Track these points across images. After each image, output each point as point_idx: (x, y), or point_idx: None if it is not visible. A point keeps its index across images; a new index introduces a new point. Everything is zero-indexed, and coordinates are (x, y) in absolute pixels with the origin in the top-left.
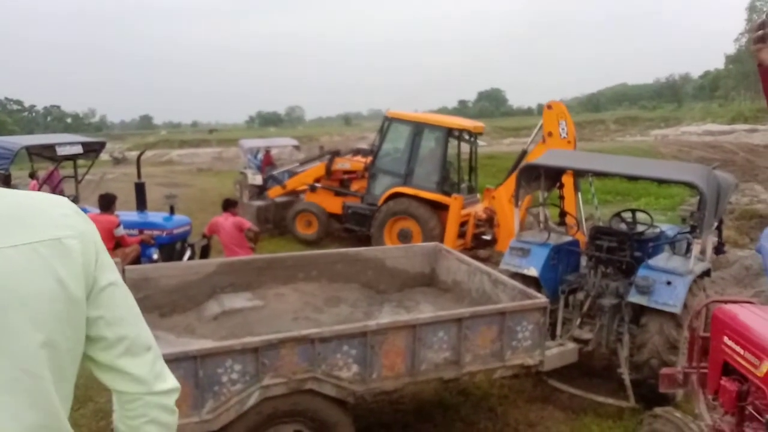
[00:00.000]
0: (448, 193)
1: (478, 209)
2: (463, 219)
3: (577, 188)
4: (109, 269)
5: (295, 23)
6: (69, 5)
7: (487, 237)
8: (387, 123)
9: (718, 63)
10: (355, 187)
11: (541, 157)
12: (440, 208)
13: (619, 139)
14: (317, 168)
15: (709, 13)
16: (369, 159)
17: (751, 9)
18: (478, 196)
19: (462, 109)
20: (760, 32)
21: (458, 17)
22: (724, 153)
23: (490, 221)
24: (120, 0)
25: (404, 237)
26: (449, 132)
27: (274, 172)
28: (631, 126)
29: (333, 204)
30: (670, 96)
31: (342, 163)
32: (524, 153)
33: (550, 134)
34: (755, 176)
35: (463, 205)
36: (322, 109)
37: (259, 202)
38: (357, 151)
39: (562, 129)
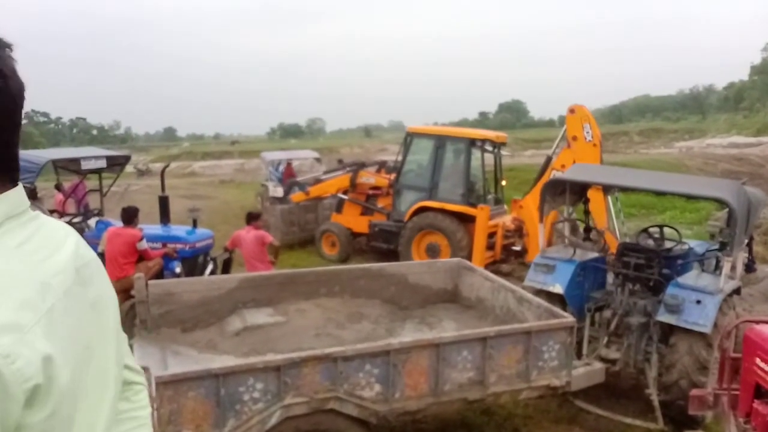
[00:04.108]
0: (474, 205)
1: (506, 220)
2: (491, 230)
3: (606, 197)
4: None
5: (317, 36)
6: (94, 22)
7: (517, 248)
8: (409, 138)
9: (742, 74)
10: (381, 203)
11: (566, 171)
12: (467, 221)
13: (643, 152)
14: (341, 179)
15: (732, 23)
16: (393, 175)
17: None
18: (505, 207)
19: (483, 120)
20: None
21: (477, 33)
22: (751, 166)
23: (518, 231)
24: (144, 15)
25: (432, 251)
26: (472, 143)
27: (299, 179)
28: (654, 138)
29: (359, 223)
30: (693, 107)
31: (367, 177)
32: (549, 159)
33: (575, 138)
34: None
35: (490, 216)
36: (343, 121)
37: (282, 206)
38: (381, 164)
39: (587, 132)
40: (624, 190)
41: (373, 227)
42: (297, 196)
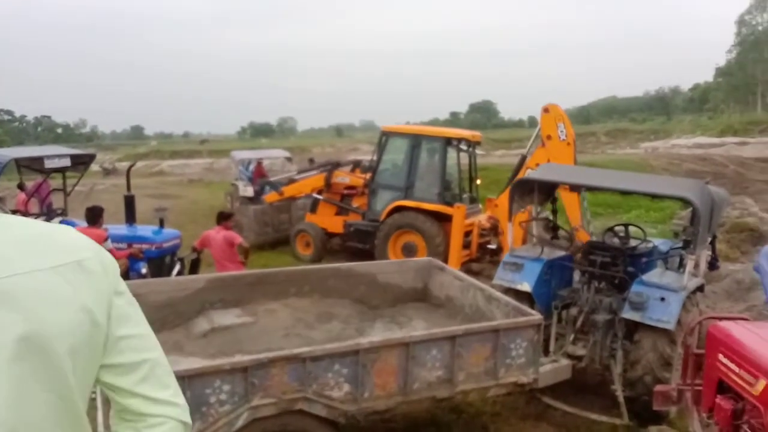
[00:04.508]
0: (450, 204)
1: (482, 218)
2: (467, 229)
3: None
4: (125, 288)
5: (285, 33)
6: (59, 13)
7: (493, 246)
8: (384, 138)
9: (707, 76)
10: (356, 203)
11: (534, 171)
12: (443, 220)
13: (610, 152)
14: (316, 178)
15: (697, 26)
16: (368, 175)
17: (741, 22)
18: (480, 206)
19: (454, 120)
20: None
21: (448, 30)
22: (715, 166)
23: (494, 230)
24: (111, 8)
25: (409, 251)
26: (447, 142)
27: (272, 179)
28: (621, 138)
29: (334, 223)
30: (659, 109)
31: (342, 177)
32: (524, 158)
33: (549, 137)
34: (745, 189)
35: (466, 215)
36: (314, 120)
37: (255, 207)
38: (356, 163)
39: (561, 131)
40: (591, 189)
41: (349, 227)
42: (270, 196)
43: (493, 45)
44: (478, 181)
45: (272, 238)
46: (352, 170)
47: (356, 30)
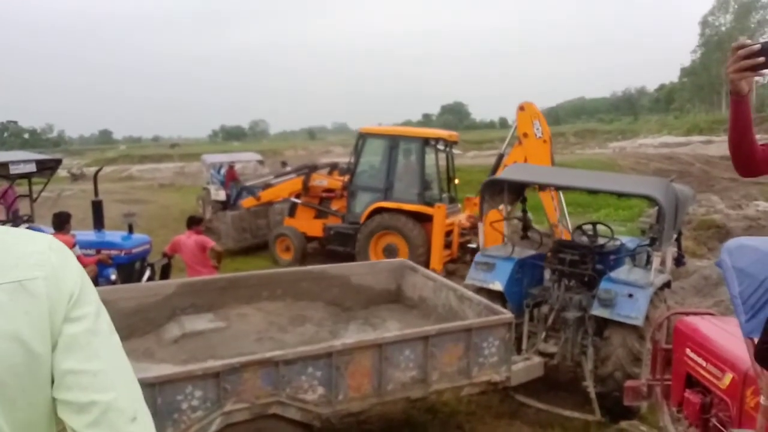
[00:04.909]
0: (430, 204)
1: (462, 218)
2: (448, 229)
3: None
4: (88, 312)
5: (256, 34)
6: (26, 13)
7: (473, 245)
8: (361, 140)
9: (672, 76)
10: (334, 206)
11: (503, 171)
12: (424, 220)
13: (578, 152)
14: (293, 182)
15: (662, 28)
16: (346, 177)
17: (704, 23)
18: (459, 205)
19: (426, 122)
20: (761, 59)
21: (418, 32)
22: (681, 164)
23: (474, 229)
24: (79, 8)
25: (390, 252)
26: (425, 142)
27: (248, 184)
28: (589, 139)
29: (313, 227)
30: (626, 109)
31: (320, 180)
32: (501, 157)
33: (525, 135)
34: (711, 187)
35: (446, 215)
36: (286, 123)
37: (233, 212)
38: (333, 166)
39: (537, 129)
40: (559, 189)
41: (328, 230)
42: (247, 201)
43: (464, 47)
44: (456, 181)
45: (251, 243)
46: (330, 173)
47: (328, 31)
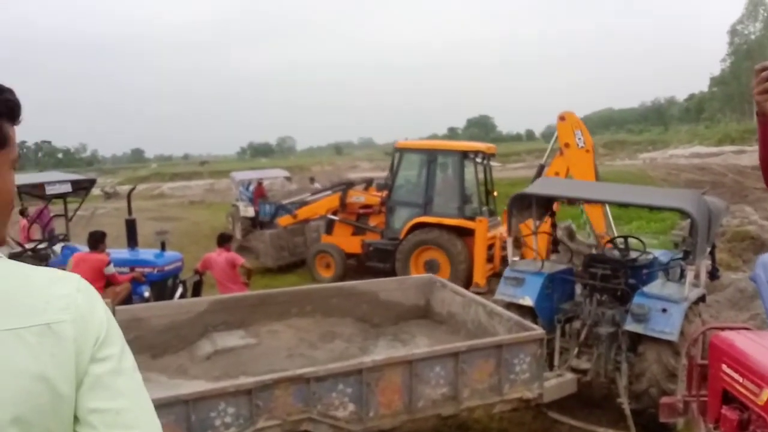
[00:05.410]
0: (470, 218)
1: (502, 231)
2: (489, 242)
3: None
4: (113, 353)
5: (282, 51)
6: (57, 35)
7: (516, 258)
8: (398, 154)
9: (702, 85)
10: (372, 222)
11: (531, 186)
12: (464, 234)
13: (608, 163)
14: (330, 199)
15: (691, 36)
16: (384, 193)
17: (733, 32)
18: (499, 218)
19: (452, 135)
20: None
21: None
22: (713, 175)
23: (516, 241)
24: (110, 30)
25: (431, 267)
26: (464, 155)
27: (284, 202)
28: (619, 150)
29: (351, 244)
30: (656, 119)
31: (357, 197)
32: (542, 168)
33: (567, 145)
34: (745, 197)
35: (488, 228)
36: (313, 139)
37: (270, 231)
38: (369, 182)
39: (579, 138)
40: (588, 202)
41: (368, 247)
42: (284, 219)
43: (489, 59)
44: (495, 194)
45: (289, 261)
46: (365, 189)
47: (352, 46)
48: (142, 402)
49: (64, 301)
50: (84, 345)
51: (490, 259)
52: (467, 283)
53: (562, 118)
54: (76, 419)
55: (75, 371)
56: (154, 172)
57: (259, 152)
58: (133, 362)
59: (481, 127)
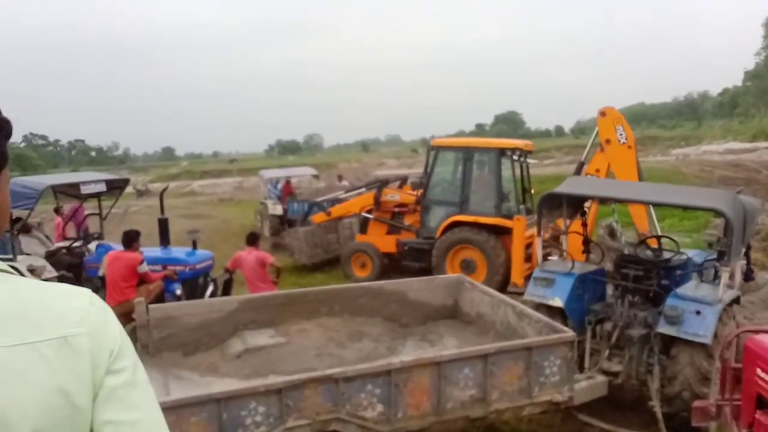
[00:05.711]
0: (508, 217)
1: None
2: (527, 241)
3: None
4: (127, 365)
5: (309, 50)
6: (88, 38)
7: (554, 257)
8: (434, 152)
9: (736, 80)
10: (407, 221)
11: (561, 185)
12: (501, 233)
13: (640, 159)
14: (364, 197)
15: (725, 30)
16: (419, 192)
17: (767, 25)
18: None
19: (480, 132)
20: None
21: (470, 40)
22: (747, 171)
23: (555, 240)
24: (140, 32)
25: (467, 267)
26: (501, 153)
27: (319, 200)
28: (651, 146)
29: (385, 243)
30: (688, 114)
31: (391, 195)
32: (582, 165)
33: (608, 141)
34: None
35: (525, 227)
36: (340, 136)
37: (305, 228)
38: (403, 180)
39: (620, 134)
40: (619, 202)
41: (403, 246)
42: (318, 216)
43: (517, 54)
44: (533, 191)
45: (323, 258)
46: (400, 187)
47: (379, 43)
48: (155, 414)
49: (78, 314)
50: (99, 358)
51: (528, 258)
52: (505, 283)
53: (602, 113)
54: (90, 431)
55: (92, 383)
56: (184, 170)
57: (286, 150)
58: (145, 374)
59: (509, 123)
